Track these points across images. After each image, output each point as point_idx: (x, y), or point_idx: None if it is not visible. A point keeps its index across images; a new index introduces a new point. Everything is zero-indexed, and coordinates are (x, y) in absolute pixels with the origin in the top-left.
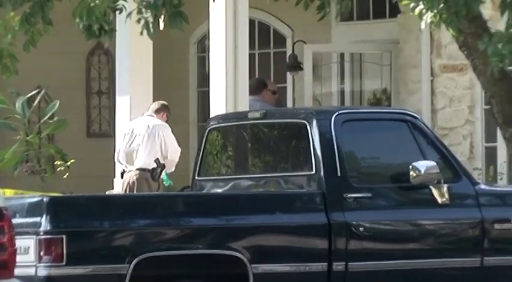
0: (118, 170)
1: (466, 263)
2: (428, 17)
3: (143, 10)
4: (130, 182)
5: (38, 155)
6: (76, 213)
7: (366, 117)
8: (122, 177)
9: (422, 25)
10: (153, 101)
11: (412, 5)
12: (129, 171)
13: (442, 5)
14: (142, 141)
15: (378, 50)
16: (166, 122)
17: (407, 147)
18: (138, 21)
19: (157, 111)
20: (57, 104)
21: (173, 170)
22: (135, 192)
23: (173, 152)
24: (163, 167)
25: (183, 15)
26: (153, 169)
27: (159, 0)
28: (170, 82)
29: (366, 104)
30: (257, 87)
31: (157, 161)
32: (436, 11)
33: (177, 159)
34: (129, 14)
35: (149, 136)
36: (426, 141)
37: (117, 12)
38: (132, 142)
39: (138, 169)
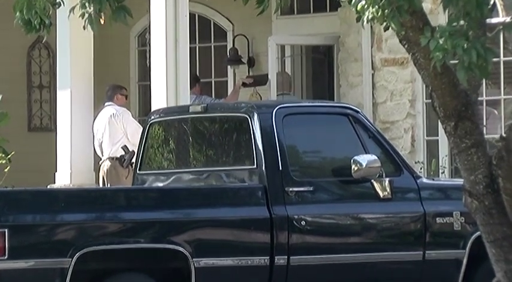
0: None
1: (408, 256)
2: (369, 12)
3: (86, 4)
4: (105, 172)
5: None
6: (18, 207)
7: (307, 111)
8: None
9: (365, 21)
10: (94, 95)
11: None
12: (103, 161)
13: (383, 0)
14: (104, 131)
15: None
16: (126, 97)
17: (348, 141)
18: (82, 15)
19: (111, 98)
20: None
21: None
22: (106, 181)
23: (132, 131)
24: (132, 153)
25: (126, 9)
26: (121, 156)
27: None
28: (111, 76)
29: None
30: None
31: (124, 148)
32: (377, 6)
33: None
34: (73, 9)
35: (110, 124)
36: (367, 135)
37: (56, 6)
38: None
39: (107, 159)
